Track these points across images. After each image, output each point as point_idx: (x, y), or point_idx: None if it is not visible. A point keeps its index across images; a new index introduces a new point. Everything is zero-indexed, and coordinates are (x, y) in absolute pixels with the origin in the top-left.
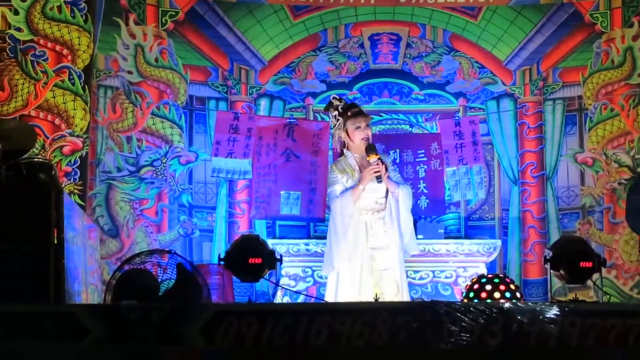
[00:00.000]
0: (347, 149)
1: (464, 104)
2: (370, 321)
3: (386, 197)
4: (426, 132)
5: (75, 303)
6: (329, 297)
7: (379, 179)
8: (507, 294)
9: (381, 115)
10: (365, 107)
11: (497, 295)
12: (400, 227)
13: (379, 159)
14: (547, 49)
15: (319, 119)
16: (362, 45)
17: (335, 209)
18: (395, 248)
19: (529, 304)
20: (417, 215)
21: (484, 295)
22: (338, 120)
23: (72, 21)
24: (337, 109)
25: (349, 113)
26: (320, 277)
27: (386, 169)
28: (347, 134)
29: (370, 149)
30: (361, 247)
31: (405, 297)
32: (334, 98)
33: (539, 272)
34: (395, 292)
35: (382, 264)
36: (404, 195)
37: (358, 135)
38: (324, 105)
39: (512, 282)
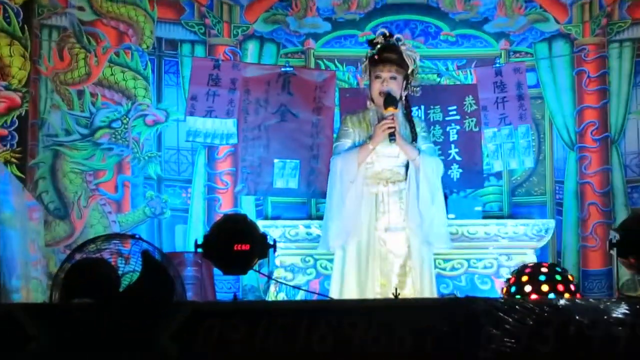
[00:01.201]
0: (372, 101)
1: (506, 47)
2: (389, 323)
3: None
4: (459, 83)
5: (13, 302)
6: (334, 287)
7: (391, 136)
8: (562, 288)
9: None
10: None
11: (548, 289)
12: (419, 206)
13: (406, 115)
14: None
15: (323, 67)
16: None
17: (334, 169)
18: (415, 232)
19: (591, 300)
20: (448, 189)
21: (531, 289)
22: (364, 63)
23: None
24: (375, 46)
25: (375, 57)
26: (325, 268)
27: (414, 138)
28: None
29: (389, 101)
30: (368, 225)
31: (426, 294)
32: (381, 34)
33: (602, 261)
34: (409, 287)
35: (395, 250)
36: (427, 167)
37: (376, 87)
38: (327, 49)
39: (569, 273)
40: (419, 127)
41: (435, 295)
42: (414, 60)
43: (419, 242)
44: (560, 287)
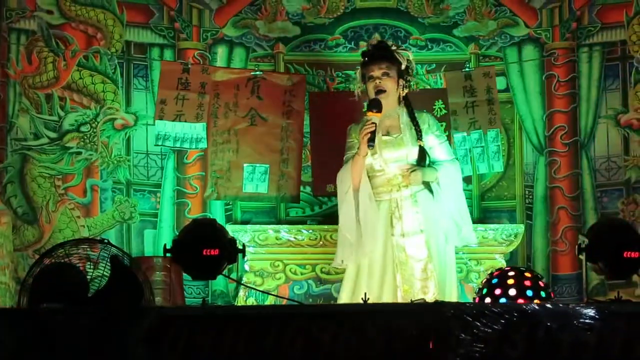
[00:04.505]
0: None
1: (476, 51)
2: (359, 328)
3: (419, 163)
4: (428, 87)
5: None
6: (345, 295)
7: (370, 142)
8: (531, 293)
9: None
10: (351, 56)
11: (518, 294)
12: (442, 205)
13: (409, 114)
14: None
15: (292, 71)
16: None
17: (337, 183)
18: (433, 233)
19: (560, 305)
20: None
21: (500, 293)
22: (357, 71)
23: None
24: (365, 55)
25: (365, 59)
26: (295, 273)
27: (420, 137)
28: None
29: (371, 105)
30: (384, 233)
31: (453, 298)
32: (374, 38)
33: (572, 265)
34: (432, 291)
35: (415, 255)
36: (448, 176)
37: (371, 87)
38: (297, 53)
39: (539, 277)
40: (433, 127)
41: (458, 297)
42: (408, 58)
43: (439, 245)
44: (529, 292)
